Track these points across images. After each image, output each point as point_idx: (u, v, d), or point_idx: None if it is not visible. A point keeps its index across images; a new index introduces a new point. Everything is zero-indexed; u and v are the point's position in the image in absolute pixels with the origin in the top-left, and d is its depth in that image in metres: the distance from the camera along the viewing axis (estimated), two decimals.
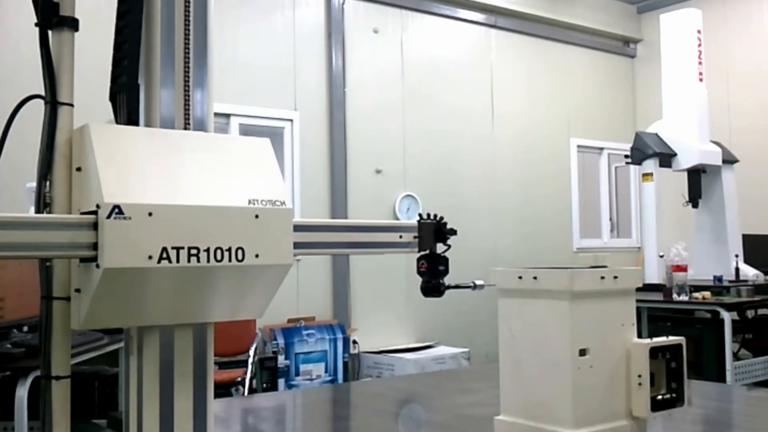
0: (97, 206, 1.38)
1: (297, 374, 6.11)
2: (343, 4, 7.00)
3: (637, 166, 6.90)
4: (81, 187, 1.49)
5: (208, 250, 1.46)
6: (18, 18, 5.32)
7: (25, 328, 3.59)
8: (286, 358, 6.03)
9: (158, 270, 1.41)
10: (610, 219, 9.18)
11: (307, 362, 6.18)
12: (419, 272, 1.91)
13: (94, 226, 1.38)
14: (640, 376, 1.67)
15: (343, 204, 6.86)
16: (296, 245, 1.61)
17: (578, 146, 8.82)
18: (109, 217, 1.36)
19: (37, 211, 1.53)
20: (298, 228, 1.62)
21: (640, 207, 7.62)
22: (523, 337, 1.73)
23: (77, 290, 1.48)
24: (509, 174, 8.05)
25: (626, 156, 6.93)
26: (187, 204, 1.46)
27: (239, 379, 5.34)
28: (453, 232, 1.92)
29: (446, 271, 1.90)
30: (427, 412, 2.60)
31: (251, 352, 5.56)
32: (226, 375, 5.34)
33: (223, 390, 5.19)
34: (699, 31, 6.70)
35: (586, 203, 8.90)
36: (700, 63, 6.66)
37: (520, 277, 1.73)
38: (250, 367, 5.44)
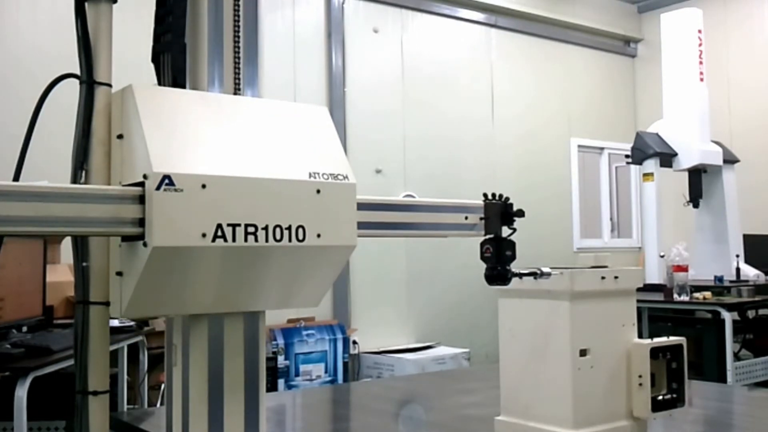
0: (144, 177, 1.22)
1: (297, 374, 6.11)
2: (343, 3, 7.00)
3: (637, 166, 6.89)
4: (123, 157, 1.33)
5: (266, 228, 1.31)
6: (17, 17, 5.32)
7: (25, 329, 3.59)
8: (286, 359, 6.03)
9: (212, 249, 1.26)
10: (611, 219, 9.18)
11: (307, 362, 6.18)
12: (483, 258, 1.72)
13: (141, 199, 1.22)
14: (640, 376, 1.67)
15: None
16: (359, 225, 1.46)
17: (579, 146, 8.81)
18: (158, 188, 1.21)
19: None
20: (361, 206, 1.47)
21: (640, 207, 7.61)
22: (523, 337, 1.73)
23: (119, 273, 1.31)
24: (509, 173, 8.04)
25: (627, 156, 6.93)
26: (244, 176, 1.30)
27: None
28: (521, 213, 1.77)
29: (513, 257, 1.72)
30: (427, 412, 2.60)
31: None
32: None
33: None
34: (699, 31, 6.69)
35: (586, 203, 8.89)
36: (700, 63, 6.66)
37: (520, 277, 1.73)
38: None
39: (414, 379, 4.17)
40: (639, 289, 1.77)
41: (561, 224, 8.51)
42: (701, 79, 6.67)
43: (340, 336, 6.38)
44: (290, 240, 1.34)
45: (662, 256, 6.30)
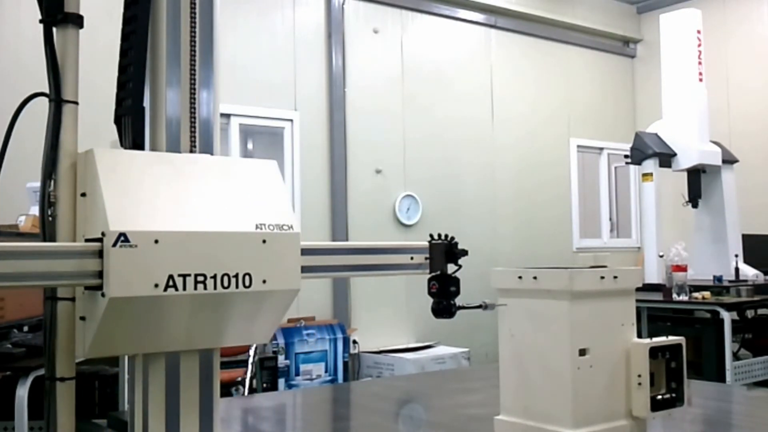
0: (102, 234, 1.35)
1: (297, 374, 6.12)
2: (343, 4, 7.00)
3: (636, 166, 6.90)
4: (87, 213, 1.47)
5: (215, 277, 1.44)
6: (16, 17, 5.32)
7: (26, 328, 3.59)
8: (286, 358, 6.03)
9: (165, 298, 1.39)
10: (610, 219, 9.18)
11: (307, 362, 6.18)
12: (430, 293, 1.87)
13: (99, 254, 1.35)
14: (639, 375, 1.67)
15: (344, 204, 6.86)
16: (303, 269, 1.58)
17: (578, 146, 8.82)
18: (114, 245, 1.34)
19: (42, 210, 1.51)
20: (305, 252, 1.59)
21: (639, 207, 7.62)
22: (523, 337, 1.74)
23: (82, 318, 1.46)
24: (509, 174, 8.05)
25: (626, 156, 6.93)
26: (194, 230, 1.44)
27: (239, 378, 5.34)
28: (464, 252, 1.89)
29: (457, 292, 1.86)
30: (427, 412, 2.61)
31: (251, 352, 5.55)
32: (226, 375, 5.34)
33: (224, 390, 5.14)
34: (699, 31, 6.70)
35: (585, 203, 8.90)
36: (699, 63, 6.66)
37: (520, 277, 1.74)
38: (250, 366, 5.43)
39: (414, 378, 4.17)
40: (638, 289, 1.77)
41: (560, 224, 8.51)
42: (700, 80, 6.67)
43: (340, 335, 6.38)
44: (237, 287, 1.47)
45: (661, 256, 6.30)
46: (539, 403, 1.68)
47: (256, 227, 1.51)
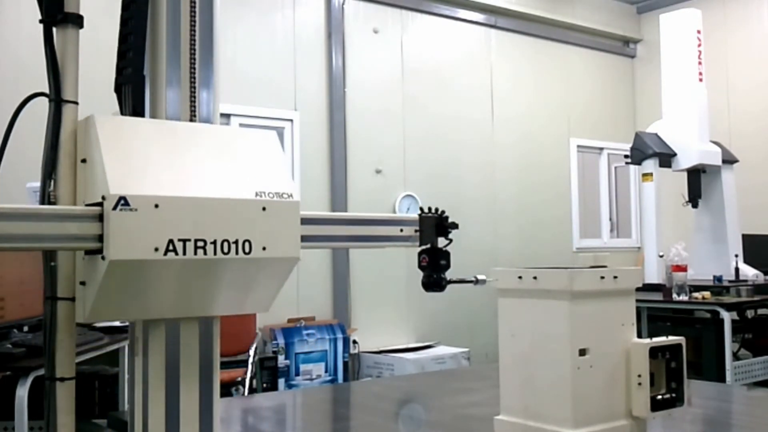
0: (103, 198, 1.37)
1: (297, 374, 6.12)
2: (343, 4, 7.00)
3: (636, 166, 6.90)
4: (86, 179, 1.48)
5: (215, 243, 1.44)
6: (16, 17, 5.32)
7: (26, 328, 3.60)
8: (286, 358, 6.03)
9: (164, 262, 1.39)
10: (610, 219, 9.18)
11: (307, 362, 6.18)
12: (420, 267, 1.90)
13: (100, 217, 1.37)
14: (639, 375, 1.67)
15: (343, 204, 6.86)
16: (303, 239, 1.59)
17: (578, 146, 8.82)
18: (114, 208, 1.35)
19: None
20: (305, 221, 1.61)
21: (639, 207, 7.62)
22: (523, 337, 1.74)
23: (82, 283, 1.47)
24: (509, 174, 8.05)
25: (626, 156, 6.93)
26: (194, 196, 1.45)
27: (239, 378, 5.34)
28: (454, 225, 1.91)
29: (448, 266, 1.88)
30: (427, 412, 2.61)
31: (251, 352, 5.56)
32: (226, 375, 5.34)
33: (224, 390, 5.16)
34: (699, 31, 6.70)
35: (585, 203, 8.90)
36: (699, 63, 6.66)
37: (520, 277, 1.74)
38: (250, 366, 5.44)
39: (414, 378, 4.18)
40: (638, 289, 1.77)
41: (560, 224, 8.51)
42: (700, 80, 6.67)
43: (340, 335, 6.38)
44: (237, 253, 1.47)
45: (661, 256, 6.30)
46: (539, 403, 1.68)
47: (256, 195, 1.52)
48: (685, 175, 6.84)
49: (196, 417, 1.55)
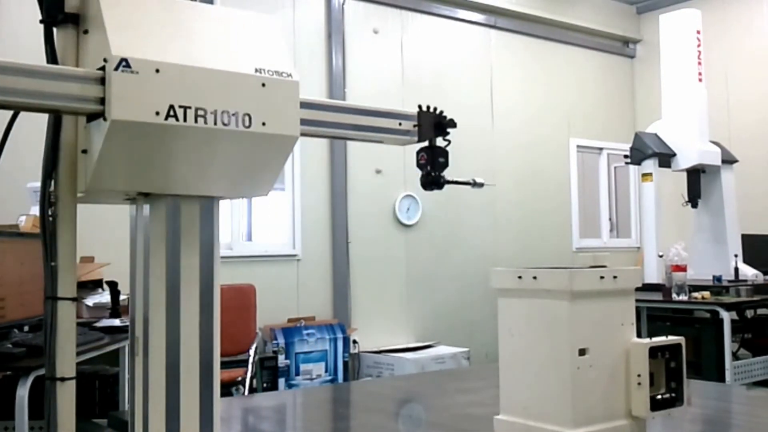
0: (105, 60, 1.38)
1: (297, 374, 6.12)
2: (343, 4, 7.01)
3: (636, 166, 6.90)
4: (87, 50, 1.49)
5: (215, 113, 1.46)
6: (16, 17, 5.32)
7: (26, 328, 3.60)
8: (286, 358, 6.03)
9: (165, 128, 1.40)
10: (610, 219, 9.19)
11: (307, 362, 6.19)
12: (419, 165, 1.91)
13: (102, 81, 1.38)
14: (639, 375, 1.67)
15: (344, 204, 6.86)
16: (303, 122, 1.61)
17: (578, 146, 8.82)
18: (116, 69, 1.36)
19: (42, 211, 1.52)
20: (304, 105, 1.63)
21: (639, 207, 7.63)
22: (523, 337, 1.74)
23: (84, 151, 1.48)
24: (509, 174, 8.05)
25: (626, 156, 6.93)
26: (195, 65, 1.46)
27: (239, 378, 5.35)
28: (453, 123, 1.92)
29: (446, 164, 1.89)
30: (427, 412, 2.61)
31: (251, 352, 5.57)
32: (226, 375, 5.34)
33: (224, 390, 5.14)
34: (698, 32, 6.70)
35: (585, 203, 8.90)
36: (699, 63, 6.66)
37: (519, 277, 1.74)
38: (250, 366, 5.45)
39: (414, 378, 4.18)
40: (638, 289, 1.77)
41: (560, 224, 8.52)
42: (700, 80, 6.67)
43: (340, 335, 6.39)
44: (237, 125, 1.49)
45: (661, 256, 6.31)
46: (539, 403, 1.68)
47: (256, 71, 1.53)
48: (684, 175, 6.84)
49: (196, 417, 1.54)
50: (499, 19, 8.17)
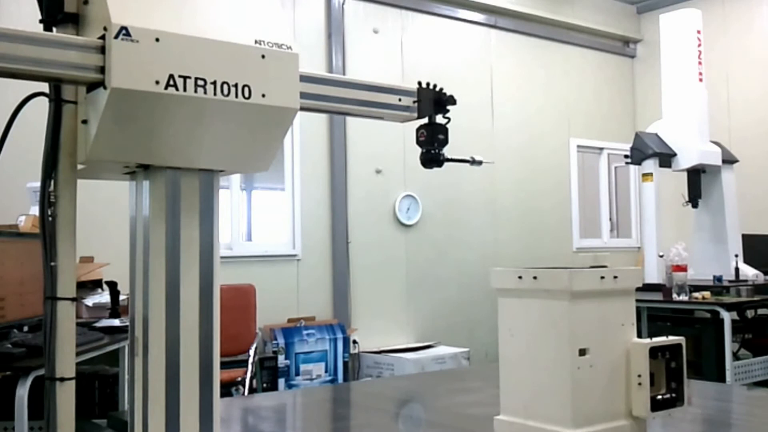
0: (105, 29, 1.38)
1: (297, 374, 6.12)
2: (343, 4, 7.00)
3: (636, 166, 6.90)
4: (89, 18, 1.50)
5: (215, 83, 1.47)
6: (16, 17, 5.33)
7: (26, 328, 3.60)
8: (286, 358, 6.03)
9: (165, 97, 1.41)
10: (610, 219, 9.18)
11: (307, 362, 6.18)
12: (418, 142, 1.90)
13: (102, 50, 1.38)
14: (639, 375, 1.67)
15: (344, 204, 6.86)
16: (303, 95, 1.61)
17: (578, 146, 8.82)
18: (116, 37, 1.36)
19: (42, 211, 1.52)
20: (303, 78, 1.63)
21: (639, 207, 7.62)
22: (523, 337, 1.74)
23: (84, 122, 1.48)
24: (509, 173, 8.04)
25: (626, 156, 6.93)
26: (195, 35, 1.47)
27: (239, 378, 5.34)
28: (452, 100, 1.92)
29: (446, 141, 1.89)
30: (427, 412, 2.61)
31: (251, 352, 5.56)
32: (226, 375, 5.34)
33: (224, 390, 5.18)
34: (699, 31, 6.70)
35: (585, 203, 8.90)
36: (699, 63, 6.66)
37: (519, 277, 1.74)
38: (250, 366, 5.44)
39: (414, 378, 4.18)
40: (638, 289, 1.77)
41: (560, 224, 8.51)
42: (700, 80, 6.67)
43: (340, 335, 6.38)
44: (237, 96, 1.49)
45: (661, 256, 6.30)
46: (539, 403, 1.68)
47: (255, 42, 1.54)
48: (685, 175, 6.84)
49: (196, 417, 1.54)
50: (499, 18, 8.16)
